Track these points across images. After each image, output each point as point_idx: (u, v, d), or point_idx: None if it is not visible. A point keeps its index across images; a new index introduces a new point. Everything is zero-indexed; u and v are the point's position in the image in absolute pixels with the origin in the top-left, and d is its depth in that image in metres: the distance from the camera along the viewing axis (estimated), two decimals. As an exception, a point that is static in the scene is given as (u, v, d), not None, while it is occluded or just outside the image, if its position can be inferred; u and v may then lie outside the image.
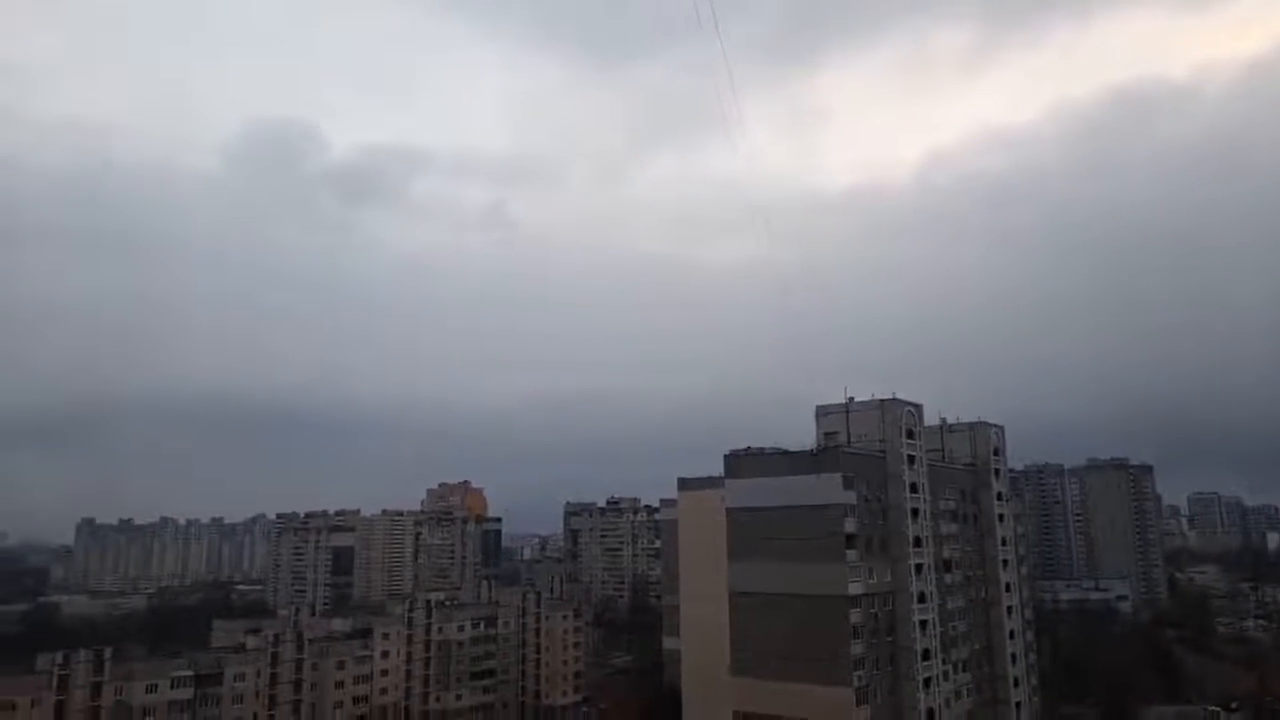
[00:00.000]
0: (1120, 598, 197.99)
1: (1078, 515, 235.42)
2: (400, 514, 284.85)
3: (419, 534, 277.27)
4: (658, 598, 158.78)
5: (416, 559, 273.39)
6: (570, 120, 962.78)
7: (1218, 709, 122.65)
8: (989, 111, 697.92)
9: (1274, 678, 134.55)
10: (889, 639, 71.25)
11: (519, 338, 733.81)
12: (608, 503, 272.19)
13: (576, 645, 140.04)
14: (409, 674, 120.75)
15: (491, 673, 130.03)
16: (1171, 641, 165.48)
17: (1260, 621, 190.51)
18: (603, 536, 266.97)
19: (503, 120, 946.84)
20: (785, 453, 74.47)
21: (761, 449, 77.36)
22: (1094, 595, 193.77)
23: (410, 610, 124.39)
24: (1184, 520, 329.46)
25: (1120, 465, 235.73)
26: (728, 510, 73.82)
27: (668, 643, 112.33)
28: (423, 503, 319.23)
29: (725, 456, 77.00)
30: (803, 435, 77.91)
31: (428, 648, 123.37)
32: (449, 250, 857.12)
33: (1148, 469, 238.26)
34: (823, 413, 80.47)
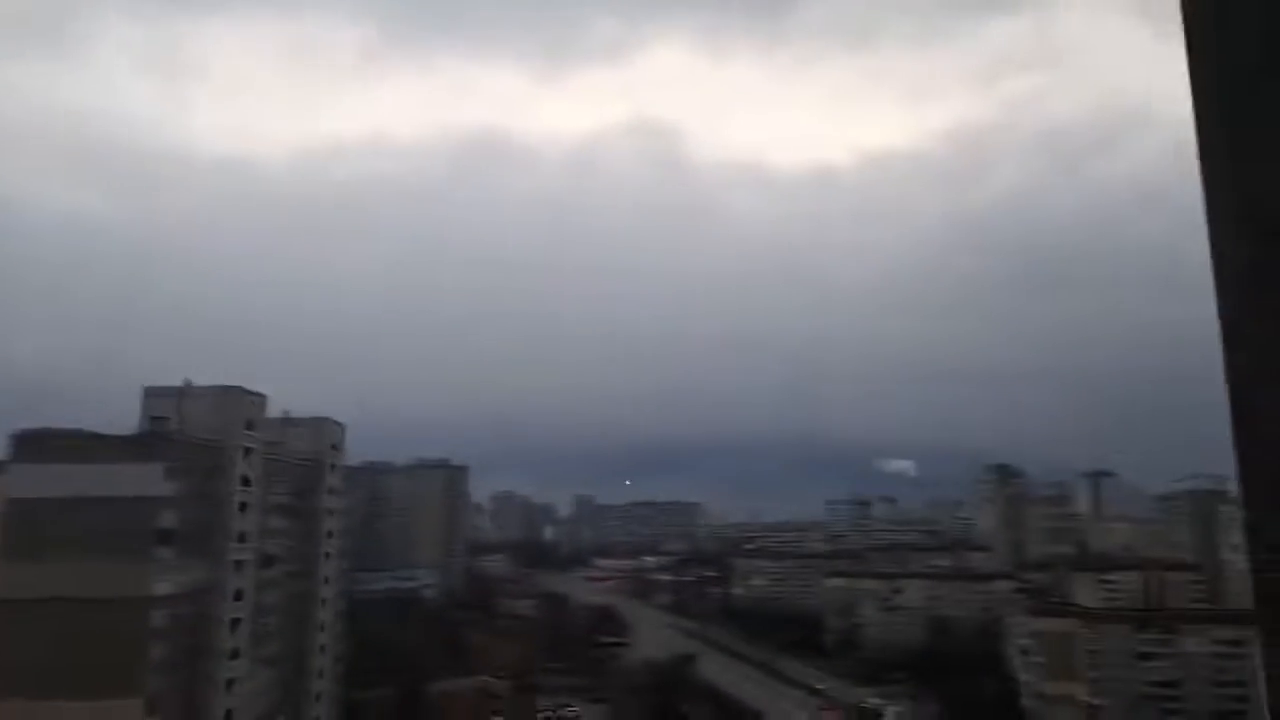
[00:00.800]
0: (426, 586, 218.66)
1: (401, 510, 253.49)
2: None
3: None
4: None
5: None
6: None
7: (489, 678, 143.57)
8: (380, 117, 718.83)
9: (534, 649, 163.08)
10: (197, 640, 67.64)
11: None
12: None
13: None
14: None
15: None
16: (463, 623, 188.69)
17: (531, 601, 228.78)
18: None
19: None
20: (98, 436, 65.88)
21: (66, 430, 67.11)
22: (404, 584, 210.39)
23: None
24: (486, 515, 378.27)
25: (441, 465, 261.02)
26: (10, 500, 62.20)
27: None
28: None
29: (14, 437, 64.92)
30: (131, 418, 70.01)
31: None
32: None
33: (464, 469, 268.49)
34: (152, 394, 73.25)
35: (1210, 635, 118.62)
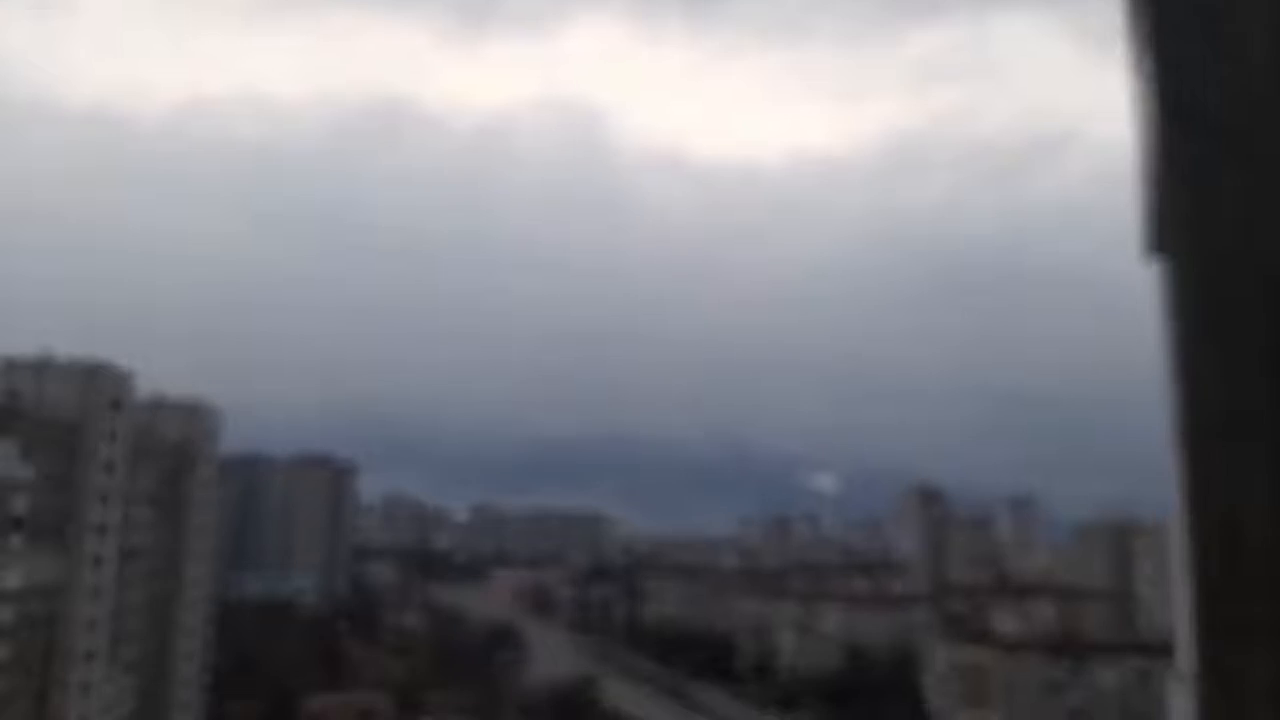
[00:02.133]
0: (305, 592, 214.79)
1: (280, 508, 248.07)
2: None
3: None
4: None
5: None
6: None
7: (370, 694, 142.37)
8: (257, 76, 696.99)
9: (421, 665, 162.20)
10: (47, 639, 65.83)
11: None
12: None
13: None
14: None
15: None
16: (343, 633, 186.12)
17: (420, 612, 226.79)
18: None
19: None
20: (-57, 409, 63.57)
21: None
22: (281, 589, 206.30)
23: None
24: (375, 517, 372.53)
25: (326, 461, 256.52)
26: None
27: None
28: None
29: None
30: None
31: None
32: None
33: (352, 467, 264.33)
34: (8, 367, 70.90)
35: (1120, 665, 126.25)
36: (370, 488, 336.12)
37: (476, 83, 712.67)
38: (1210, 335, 2.02)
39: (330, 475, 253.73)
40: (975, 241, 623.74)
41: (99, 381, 73.44)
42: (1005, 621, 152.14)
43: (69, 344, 74.55)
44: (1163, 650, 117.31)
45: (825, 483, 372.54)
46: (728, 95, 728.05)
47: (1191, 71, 1.97)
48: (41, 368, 70.88)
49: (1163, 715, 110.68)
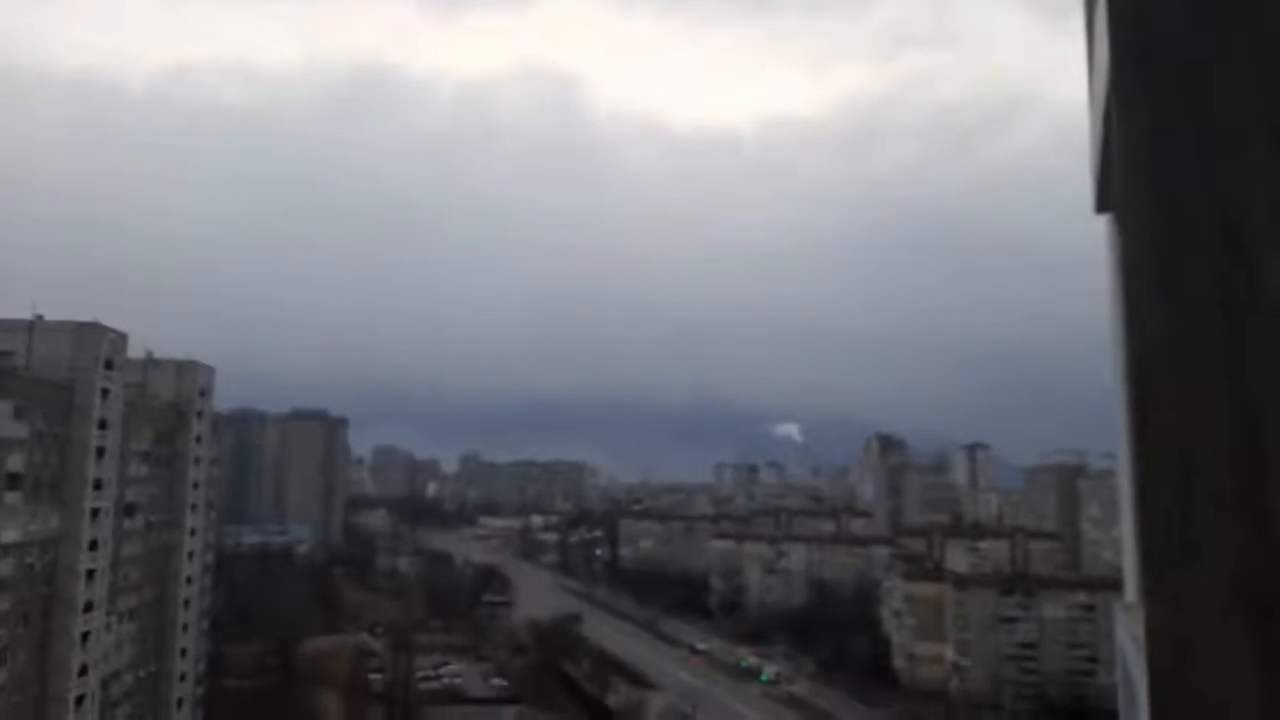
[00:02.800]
0: (300, 541, 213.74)
1: (275, 462, 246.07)
2: None
3: None
4: None
5: None
6: None
7: (366, 635, 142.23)
8: (242, 43, 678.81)
9: (414, 607, 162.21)
10: (46, 590, 64.42)
11: None
12: None
13: None
14: None
15: None
16: (339, 579, 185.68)
17: (412, 558, 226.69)
18: None
19: None
20: (-64, 370, 61.34)
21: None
22: (277, 538, 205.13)
23: None
24: (366, 470, 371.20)
25: (318, 416, 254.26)
26: None
27: None
28: None
29: None
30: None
31: None
32: None
33: (343, 421, 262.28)
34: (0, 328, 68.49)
35: (1067, 601, 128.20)
36: (361, 442, 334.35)
37: (459, 51, 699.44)
38: (1163, 277, 1.99)
39: (323, 428, 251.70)
40: (937, 205, 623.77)
41: (90, 340, 71.17)
42: (959, 560, 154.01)
43: (63, 310, 71.84)
44: (1107, 585, 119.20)
45: (792, 432, 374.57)
46: (702, 64, 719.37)
47: (1147, 6, 1.99)
48: (32, 328, 68.58)
49: (1108, 645, 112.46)
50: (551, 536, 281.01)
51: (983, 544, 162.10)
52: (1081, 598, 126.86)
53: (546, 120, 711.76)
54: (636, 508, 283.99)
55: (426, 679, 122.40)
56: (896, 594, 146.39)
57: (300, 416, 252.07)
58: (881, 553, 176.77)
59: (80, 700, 66.50)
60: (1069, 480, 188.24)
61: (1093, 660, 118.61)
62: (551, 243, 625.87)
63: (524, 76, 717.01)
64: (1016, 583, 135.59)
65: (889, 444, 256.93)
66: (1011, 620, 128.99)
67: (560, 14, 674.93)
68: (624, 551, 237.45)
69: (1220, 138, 1.99)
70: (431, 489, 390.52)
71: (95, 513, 69.82)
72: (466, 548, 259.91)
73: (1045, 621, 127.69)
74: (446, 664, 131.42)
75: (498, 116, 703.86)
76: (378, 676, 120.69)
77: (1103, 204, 3.16)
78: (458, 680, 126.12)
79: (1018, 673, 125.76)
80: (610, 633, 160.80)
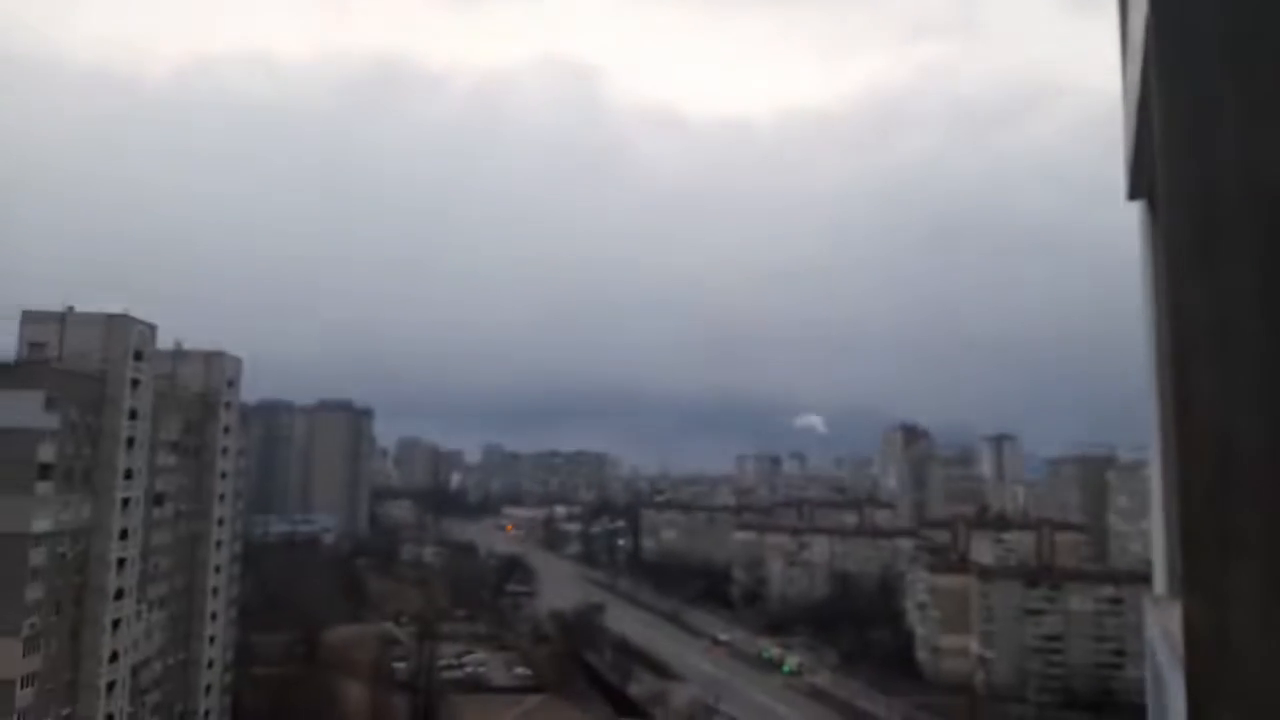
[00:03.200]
0: (326, 530, 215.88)
1: (301, 453, 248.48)
2: None
3: None
4: None
5: None
6: None
7: (391, 624, 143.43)
8: (260, 35, 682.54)
9: (438, 596, 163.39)
10: (78, 579, 65.40)
11: None
12: None
13: None
14: None
15: None
16: (364, 569, 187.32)
17: (436, 548, 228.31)
18: None
19: None
20: (-30, 362, 62.33)
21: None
22: (303, 528, 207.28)
23: None
24: (391, 460, 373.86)
25: (345, 407, 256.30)
26: None
27: None
28: None
29: (-126, 358, 60.93)
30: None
31: None
32: None
33: (368, 412, 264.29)
34: (31, 319, 69.35)
35: (1094, 594, 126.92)
36: (386, 433, 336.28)
37: (476, 41, 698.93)
38: (1203, 261, 1.92)
39: (348, 420, 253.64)
40: (959, 195, 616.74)
41: (121, 332, 71.98)
42: (984, 552, 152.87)
43: (87, 302, 72.57)
44: (1135, 578, 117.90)
45: (814, 424, 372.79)
46: (720, 54, 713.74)
47: None
48: (62, 320, 69.48)
49: (1136, 638, 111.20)
50: (574, 527, 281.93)
51: (1008, 536, 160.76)
52: (1109, 590, 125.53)
53: (564, 111, 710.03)
54: (659, 499, 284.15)
55: (450, 668, 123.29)
56: (921, 586, 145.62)
57: (326, 408, 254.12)
58: (905, 544, 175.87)
59: (111, 686, 67.51)
60: (1097, 472, 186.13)
61: (1120, 654, 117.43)
62: (571, 233, 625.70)
63: (541, 67, 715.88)
64: (1042, 575, 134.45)
65: (912, 435, 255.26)
66: (1037, 613, 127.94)
67: (576, 4, 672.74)
68: (646, 542, 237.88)
69: (1263, 116, 1.94)
70: (455, 479, 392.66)
71: (126, 502, 70.73)
72: (490, 538, 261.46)
73: (1071, 614, 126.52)
74: (470, 653, 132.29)
75: (514, 108, 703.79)
76: (402, 665, 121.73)
77: (1135, 190, 3.06)
78: (481, 669, 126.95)
79: (1043, 665, 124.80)
80: (633, 623, 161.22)
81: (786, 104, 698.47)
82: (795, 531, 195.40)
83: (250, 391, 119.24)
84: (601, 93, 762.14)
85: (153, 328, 76.73)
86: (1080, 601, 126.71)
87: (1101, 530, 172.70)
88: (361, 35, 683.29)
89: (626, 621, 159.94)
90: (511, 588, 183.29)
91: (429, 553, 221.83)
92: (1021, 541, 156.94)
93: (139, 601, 72.70)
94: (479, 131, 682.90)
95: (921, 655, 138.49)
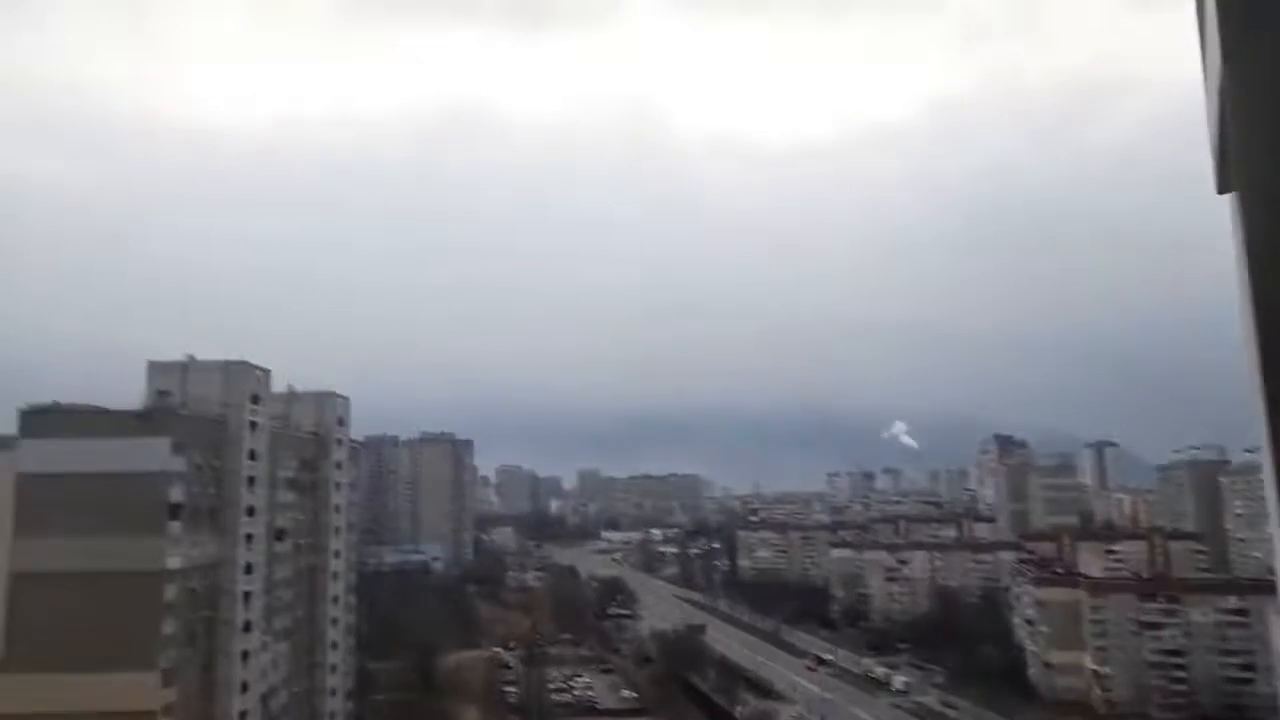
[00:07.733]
0: (435, 559, 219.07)
1: (407, 484, 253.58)
2: None
3: None
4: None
5: None
6: None
7: (499, 649, 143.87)
8: (355, 87, 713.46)
9: (543, 621, 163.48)
10: (208, 613, 67.24)
11: None
12: None
13: None
14: None
15: None
16: (472, 595, 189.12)
17: (539, 574, 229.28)
18: None
19: None
20: (105, 411, 65.06)
21: (73, 405, 66.34)
22: (413, 558, 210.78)
23: None
24: (492, 488, 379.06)
25: (446, 439, 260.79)
26: (20, 476, 61.48)
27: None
28: None
29: (22, 412, 64.08)
30: (129, 393, 69.09)
31: None
32: None
33: (468, 443, 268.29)
34: (156, 369, 72.29)
35: (1215, 605, 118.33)
36: (486, 462, 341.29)
37: (544, 82, 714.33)
38: None
39: (451, 450, 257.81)
40: (1038, 197, 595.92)
41: (239, 378, 74.43)
42: (1092, 564, 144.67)
43: (202, 349, 75.26)
44: (1260, 588, 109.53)
45: (905, 437, 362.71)
46: (779, 74, 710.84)
47: None
48: (184, 369, 72.25)
49: (1265, 651, 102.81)
50: (670, 549, 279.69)
51: (1118, 546, 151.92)
52: (1232, 601, 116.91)
53: (633, 139, 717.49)
54: (753, 518, 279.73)
55: (559, 690, 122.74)
56: (1027, 600, 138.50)
57: (429, 440, 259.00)
58: (1007, 557, 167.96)
59: (243, 716, 69.02)
60: (1209, 476, 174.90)
61: (1249, 668, 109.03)
62: (650, 259, 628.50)
63: (609, 98, 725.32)
64: (1158, 586, 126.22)
65: (1008, 445, 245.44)
66: (1155, 626, 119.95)
67: (638, 33, 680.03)
68: (742, 562, 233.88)
69: None
70: (554, 505, 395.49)
71: (249, 538, 72.64)
72: (589, 561, 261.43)
73: (1192, 626, 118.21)
74: (578, 676, 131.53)
75: (587, 143, 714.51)
76: (513, 689, 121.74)
77: (1224, 184, 2.71)
78: (589, 692, 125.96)
79: (1165, 681, 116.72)
80: (733, 643, 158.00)
81: (848, 119, 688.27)
82: (893, 547, 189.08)
83: (357, 428, 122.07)
84: (668, 117, 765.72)
85: (267, 372, 79.10)
86: (1201, 613, 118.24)
87: (1219, 538, 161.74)
88: (436, 85, 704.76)
89: (727, 642, 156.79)
90: (612, 610, 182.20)
91: (532, 577, 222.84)
92: (1131, 552, 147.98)
93: (264, 633, 74.33)
94: (554, 168, 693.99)
95: (1032, 672, 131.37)
